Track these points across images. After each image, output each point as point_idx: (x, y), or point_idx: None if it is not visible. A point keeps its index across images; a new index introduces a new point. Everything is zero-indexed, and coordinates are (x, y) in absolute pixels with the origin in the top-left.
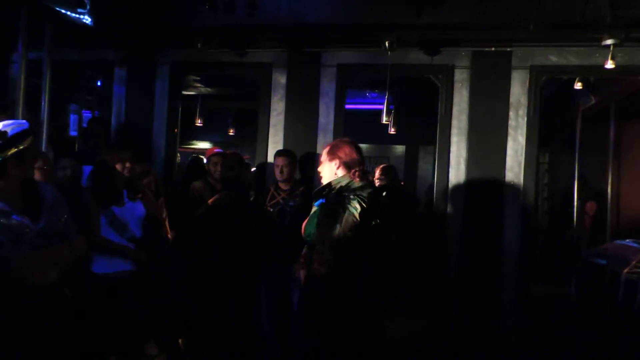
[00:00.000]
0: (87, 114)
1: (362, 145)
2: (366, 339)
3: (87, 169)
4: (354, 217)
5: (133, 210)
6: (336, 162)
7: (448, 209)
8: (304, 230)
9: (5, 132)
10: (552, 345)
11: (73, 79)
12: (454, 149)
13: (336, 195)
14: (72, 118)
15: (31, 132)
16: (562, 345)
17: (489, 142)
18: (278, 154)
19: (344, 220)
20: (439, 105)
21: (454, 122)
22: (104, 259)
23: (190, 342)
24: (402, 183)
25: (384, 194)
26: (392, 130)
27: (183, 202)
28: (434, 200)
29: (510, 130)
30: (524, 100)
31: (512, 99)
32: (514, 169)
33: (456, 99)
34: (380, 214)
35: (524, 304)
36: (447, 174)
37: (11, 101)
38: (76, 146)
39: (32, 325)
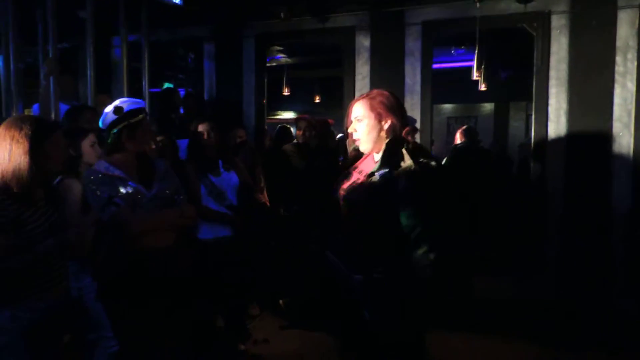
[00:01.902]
0: (180, 92)
1: (448, 106)
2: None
3: (182, 142)
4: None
5: (229, 180)
6: (389, 120)
7: (548, 165)
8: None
9: (121, 108)
10: None
11: (167, 59)
12: (552, 101)
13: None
14: None
15: (144, 110)
16: None
17: (592, 91)
18: None
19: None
20: (535, 55)
21: (552, 73)
22: (206, 225)
23: (290, 302)
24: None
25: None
26: (482, 87)
27: (274, 169)
28: (532, 156)
29: (618, 77)
30: (632, 43)
31: (619, 42)
32: (623, 118)
33: (554, 47)
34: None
35: (637, 263)
36: (545, 129)
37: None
38: (174, 122)
39: (152, 287)
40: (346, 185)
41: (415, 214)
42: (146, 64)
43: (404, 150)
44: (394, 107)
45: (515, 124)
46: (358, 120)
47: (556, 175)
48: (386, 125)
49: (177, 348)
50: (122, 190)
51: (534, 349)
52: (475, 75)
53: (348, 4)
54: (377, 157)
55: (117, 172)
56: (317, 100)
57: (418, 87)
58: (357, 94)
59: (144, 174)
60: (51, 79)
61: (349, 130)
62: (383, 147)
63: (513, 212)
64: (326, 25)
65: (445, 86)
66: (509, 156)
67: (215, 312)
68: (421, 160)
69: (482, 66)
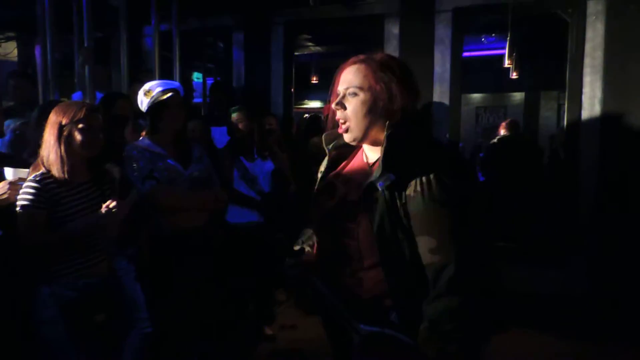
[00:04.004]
0: (209, 81)
1: (477, 95)
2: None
3: (214, 130)
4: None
5: (262, 166)
6: (402, 98)
7: (580, 155)
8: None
9: (150, 90)
10: None
11: (196, 48)
12: (586, 89)
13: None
14: (195, 85)
15: (173, 90)
16: None
17: (628, 79)
18: None
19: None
20: (569, 43)
21: (587, 61)
22: (236, 209)
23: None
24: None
25: None
26: (514, 75)
27: (302, 159)
28: (565, 145)
29: None
30: None
31: None
32: None
33: (589, 34)
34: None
35: None
36: (578, 118)
37: (146, 70)
38: (202, 111)
39: (185, 267)
40: (331, 205)
41: (442, 246)
42: (177, 53)
43: (416, 146)
44: (408, 80)
45: (546, 114)
46: (352, 92)
47: (589, 166)
48: (395, 106)
49: (207, 329)
50: (161, 166)
51: (564, 342)
52: (506, 63)
53: None
54: (372, 155)
55: (157, 149)
56: None
57: (447, 76)
58: None
59: (181, 154)
60: (87, 68)
61: (334, 107)
62: (384, 140)
63: (545, 205)
64: (355, 13)
65: (474, 75)
66: (540, 147)
67: (246, 294)
68: (444, 159)
69: (514, 54)
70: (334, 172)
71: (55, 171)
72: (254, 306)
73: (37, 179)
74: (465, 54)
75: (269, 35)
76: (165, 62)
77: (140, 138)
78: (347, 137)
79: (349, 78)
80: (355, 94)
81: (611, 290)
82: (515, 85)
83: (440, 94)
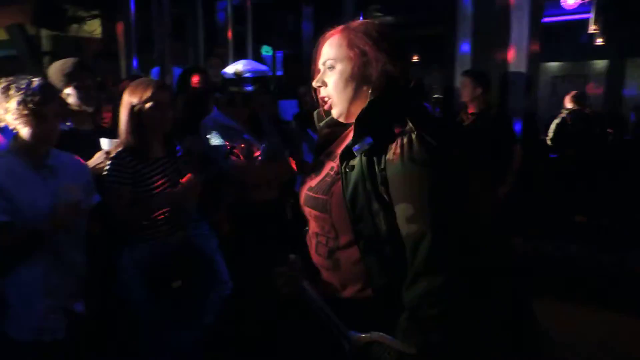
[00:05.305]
0: (279, 54)
1: (554, 64)
2: None
3: (283, 103)
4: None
5: None
6: (380, 62)
7: None
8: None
9: (241, 74)
10: None
11: (266, 21)
12: None
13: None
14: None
15: (261, 80)
16: None
17: None
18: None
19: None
20: None
21: None
22: None
23: None
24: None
25: None
26: (598, 41)
27: None
28: None
29: None
30: None
31: None
32: None
33: None
34: None
35: None
36: None
37: (220, 44)
38: (271, 85)
39: (261, 237)
40: (314, 182)
41: (420, 214)
42: (250, 27)
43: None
44: (386, 42)
45: (632, 83)
46: (329, 66)
47: None
48: (372, 70)
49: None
50: (240, 141)
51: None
52: (592, 28)
53: None
54: None
55: (233, 124)
56: (415, 60)
57: (525, 42)
58: (457, 55)
59: (253, 128)
60: (165, 43)
61: (315, 85)
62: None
63: (626, 180)
64: None
65: (554, 41)
66: (624, 119)
67: None
68: (431, 120)
69: (600, 17)
70: (326, 151)
71: (133, 148)
72: None
73: (119, 155)
74: (545, 19)
75: (339, 6)
76: (237, 36)
77: (214, 111)
78: (334, 114)
79: (326, 51)
80: (332, 67)
81: None
82: (597, 53)
83: (517, 62)
